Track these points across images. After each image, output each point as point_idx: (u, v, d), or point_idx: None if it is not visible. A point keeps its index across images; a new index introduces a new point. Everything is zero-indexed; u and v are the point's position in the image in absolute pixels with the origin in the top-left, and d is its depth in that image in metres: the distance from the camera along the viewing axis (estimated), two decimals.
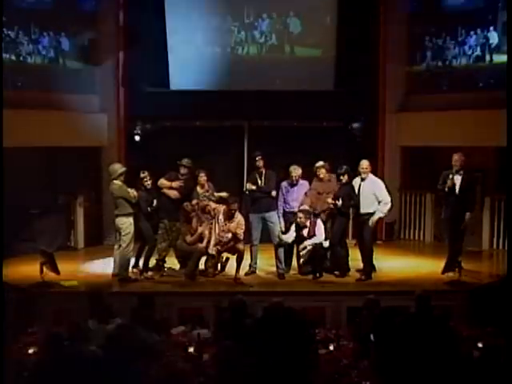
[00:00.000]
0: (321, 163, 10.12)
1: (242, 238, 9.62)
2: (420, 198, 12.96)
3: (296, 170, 10.10)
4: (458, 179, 9.59)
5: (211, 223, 9.79)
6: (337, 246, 9.84)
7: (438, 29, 12.61)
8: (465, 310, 8.80)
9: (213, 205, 9.91)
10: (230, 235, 9.60)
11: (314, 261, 9.78)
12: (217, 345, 6.78)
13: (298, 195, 10.13)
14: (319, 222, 9.84)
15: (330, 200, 9.77)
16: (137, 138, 12.69)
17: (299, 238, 9.85)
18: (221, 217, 9.72)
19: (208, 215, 9.89)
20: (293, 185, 10.13)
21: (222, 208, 9.80)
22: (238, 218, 9.68)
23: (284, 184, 10.23)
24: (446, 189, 9.61)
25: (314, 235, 9.78)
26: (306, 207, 9.87)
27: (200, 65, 12.82)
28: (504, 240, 11.66)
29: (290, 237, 9.88)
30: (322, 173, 10.04)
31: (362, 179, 9.69)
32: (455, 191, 9.62)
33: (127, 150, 12.67)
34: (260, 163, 9.97)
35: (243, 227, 9.66)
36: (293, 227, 9.88)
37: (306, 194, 10.11)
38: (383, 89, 12.99)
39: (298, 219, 9.76)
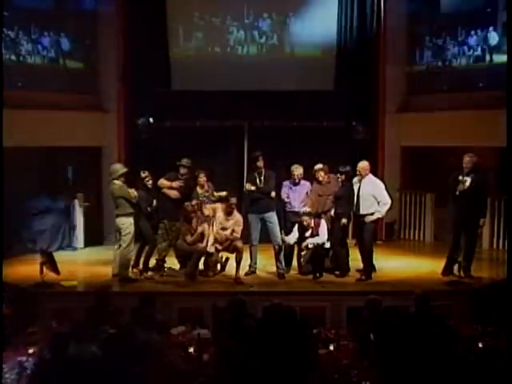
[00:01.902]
0: (319, 166, 10.14)
1: (239, 235, 9.63)
2: (420, 198, 12.96)
3: (298, 169, 10.11)
4: (467, 181, 9.49)
5: (210, 222, 9.81)
6: (337, 246, 9.85)
7: (438, 29, 12.62)
8: (465, 310, 8.80)
9: (210, 208, 9.93)
10: (228, 233, 9.62)
11: (315, 261, 9.79)
12: (217, 345, 6.79)
13: (299, 195, 10.14)
14: (323, 222, 9.84)
15: (329, 202, 9.87)
16: (137, 137, 12.68)
17: (302, 238, 9.86)
18: (219, 214, 9.75)
19: (208, 215, 9.91)
20: (295, 184, 10.14)
21: (220, 205, 9.84)
22: (236, 216, 9.71)
23: (286, 183, 10.23)
24: (457, 192, 9.50)
25: (317, 235, 9.80)
26: (307, 209, 9.88)
27: (200, 65, 12.83)
28: (504, 240, 11.66)
29: (293, 238, 9.89)
30: (321, 175, 10.06)
31: (362, 180, 9.69)
32: (464, 193, 9.53)
33: (127, 150, 12.67)
34: (260, 163, 9.94)
35: (241, 225, 9.70)
36: (295, 228, 9.90)
37: (307, 194, 10.12)
38: (383, 89, 12.99)
39: (304, 222, 9.76)
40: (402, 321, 7.06)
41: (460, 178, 9.51)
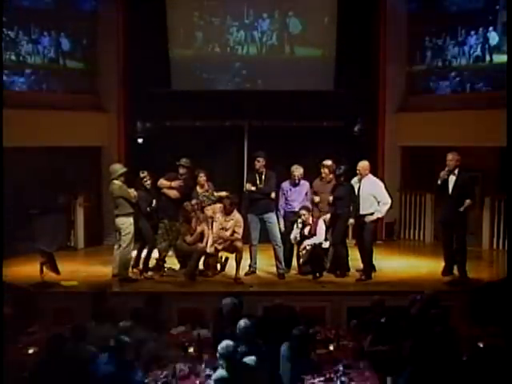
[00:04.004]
0: (328, 162, 10.08)
1: (240, 236, 9.63)
2: (420, 198, 12.95)
3: (298, 170, 10.07)
4: (452, 179, 9.48)
5: (210, 222, 9.81)
6: (338, 246, 9.84)
7: (438, 29, 12.61)
8: (465, 309, 8.80)
9: (210, 208, 9.93)
10: (228, 233, 9.61)
11: (314, 261, 9.78)
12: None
13: (299, 195, 10.11)
14: (321, 222, 9.84)
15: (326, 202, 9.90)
16: (137, 138, 12.69)
17: (300, 237, 9.86)
18: (218, 215, 9.74)
19: (207, 216, 9.91)
20: (295, 184, 10.11)
21: (219, 206, 9.83)
22: (236, 216, 9.70)
23: (285, 184, 10.19)
24: (439, 181, 9.48)
25: (315, 235, 9.79)
26: (306, 204, 9.88)
27: (200, 65, 12.83)
28: (504, 240, 11.65)
29: (295, 236, 9.88)
30: (325, 172, 10.04)
31: (361, 180, 9.69)
32: (449, 191, 9.51)
33: (127, 150, 12.67)
34: (261, 164, 9.92)
35: (241, 225, 9.69)
36: (294, 226, 9.89)
37: (306, 194, 10.10)
38: (383, 89, 12.99)
39: (302, 216, 9.76)
40: (406, 321, 7.08)
41: (444, 175, 9.48)
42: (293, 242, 9.95)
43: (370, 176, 9.82)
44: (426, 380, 5.92)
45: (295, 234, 9.85)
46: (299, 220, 9.82)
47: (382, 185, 9.82)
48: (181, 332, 7.92)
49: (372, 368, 6.48)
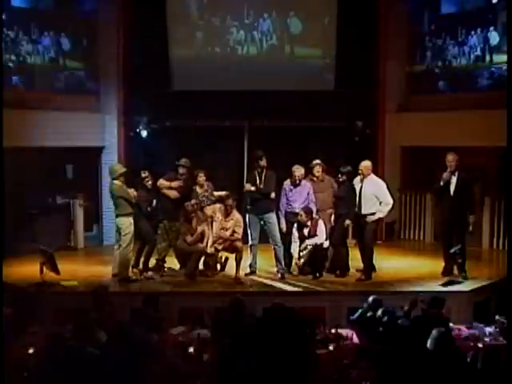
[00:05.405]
0: (317, 161, 10.14)
1: (240, 236, 9.63)
2: (420, 198, 12.96)
3: (299, 170, 10.04)
4: (453, 180, 9.48)
5: (210, 222, 9.81)
6: (339, 246, 9.83)
7: (438, 29, 12.62)
8: (465, 310, 8.80)
9: (209, 208, 9.93)
10: (228, 233, 9.61)
11: (314, 261, 9.78)
12: (216, 345, 6.79)
13: (300, 195, 10.08)
14: (321, 222, 9.83)
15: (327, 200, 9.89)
16: (137, 137, 12.69)
17: (300, 238, 9.85)
18: (218, 214, 9.74)
19: (208, 215, 9.91)
20: (295, 185, 10.09)
21: (219, 206, 9.84)
22: (236, 216, 9.70)
23: (286, 184, 10.18)
24: (442, 182, 9.44)
25: (316, 235, 9.79)
26: (308, 205, 9.87)
27: (200, 65, 12.83)
28: (504, 240, 11.66)
29: (296, 248, 9.88)
30: (318, 171, 10.05)
31: (364, 180, 9.68)
32: (450, 192, 9.52)
33: (127, 150, 12.68)
34: (260, 164, 9.91)
35: (241, 225, 9.69)
36: (295, 235, 9.89)
37: (308, 194, 10.08)
38: (383, 89, 13.00)
39: (299, 217, 9.76)
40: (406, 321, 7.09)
41: (444, 176, 9.46)
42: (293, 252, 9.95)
43: (373, 176, 9.81)
44: (427, 380, 5.93)
45: (295, 247, 9.86)
46: (295, 233, 9.83)
47: (384, 185, 9.80)
48: (181, 332, 7.92)
49: (372, 368, 6.48)
